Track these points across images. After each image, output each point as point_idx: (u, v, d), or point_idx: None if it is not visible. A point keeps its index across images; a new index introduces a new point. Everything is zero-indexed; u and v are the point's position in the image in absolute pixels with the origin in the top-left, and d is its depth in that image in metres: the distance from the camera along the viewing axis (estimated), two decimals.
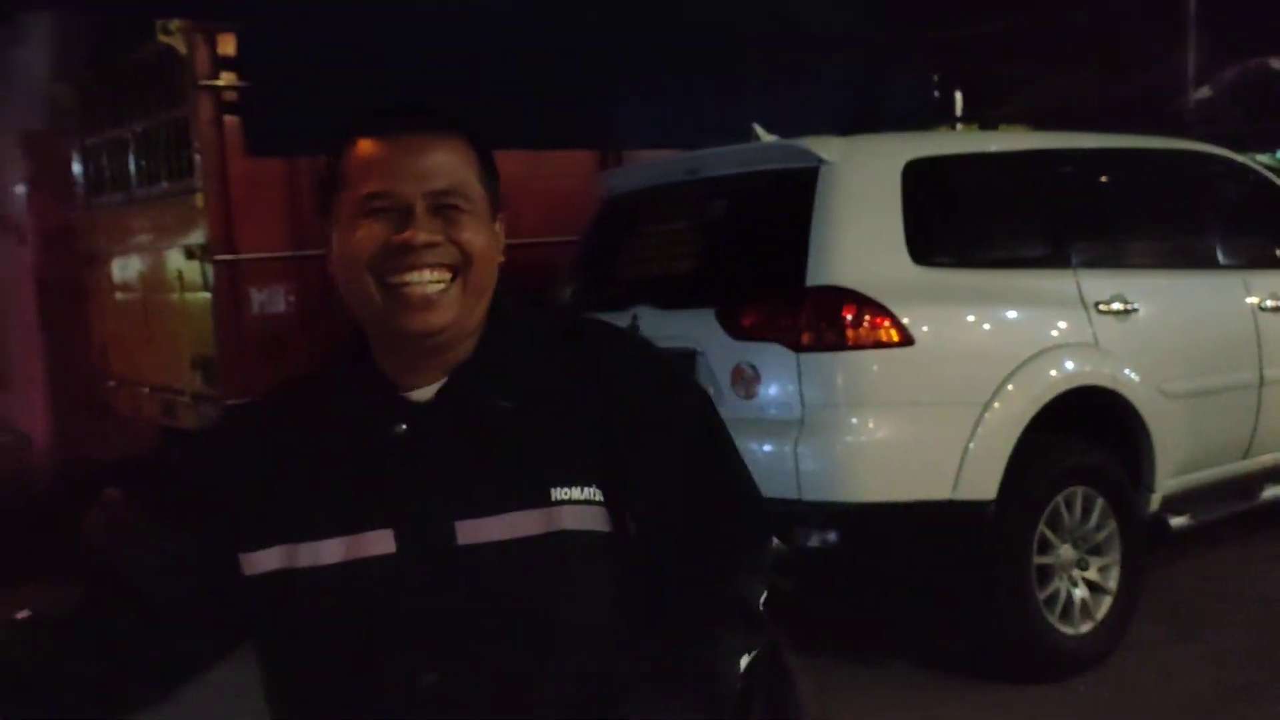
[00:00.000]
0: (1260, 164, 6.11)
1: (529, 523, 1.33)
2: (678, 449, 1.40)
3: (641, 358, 1.47)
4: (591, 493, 1.35)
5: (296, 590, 1.34)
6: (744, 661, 1.31)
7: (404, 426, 1.36)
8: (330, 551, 1.33)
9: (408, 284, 1.32)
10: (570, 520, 1.34)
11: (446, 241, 1.33)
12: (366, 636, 1.32)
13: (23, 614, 1.38)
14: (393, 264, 1.32)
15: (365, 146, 1.35)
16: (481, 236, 1.36)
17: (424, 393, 1.39)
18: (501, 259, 1.41)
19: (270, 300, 6.05)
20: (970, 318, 4.38)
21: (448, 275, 1.34)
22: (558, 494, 1.34)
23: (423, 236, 1.32)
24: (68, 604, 1.37)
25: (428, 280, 1.32)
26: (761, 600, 1.38)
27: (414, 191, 1.32)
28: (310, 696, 1.37)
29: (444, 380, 1.39)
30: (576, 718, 1.34)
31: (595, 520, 1.35)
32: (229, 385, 5.84)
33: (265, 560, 1.35)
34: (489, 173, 1.40)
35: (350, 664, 1.32)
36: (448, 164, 1.35)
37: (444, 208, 1.34)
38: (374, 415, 1.37)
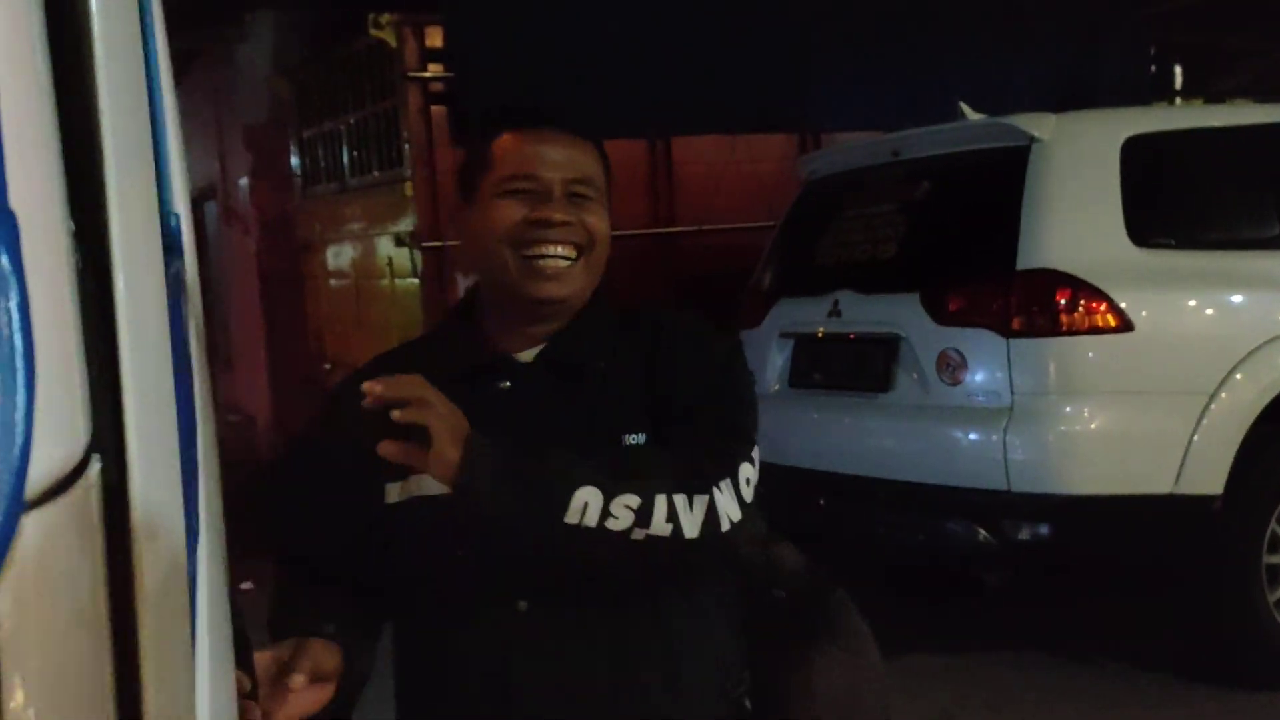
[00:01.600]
0: None
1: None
2: (697, 393, 1.57)
3: (683, 328, 1.65)
4: (646, 439, 1.55)
5: (411, 517, 1.52)
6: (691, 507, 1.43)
7: (508, 383, 1.57)
8: (434, 483, 1.45)
9: (542, 256, 1.53)
10: None
11: (577, 223, 1.54)
12: (466, 565, 1.49)
13: (246, 585, 1.50)
14: (530, 237, 1.53)
15: (514, 136, 1.58)
16: (604, 223, 1.58)
17: (526, 355, 1.60)
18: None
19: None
20: (1194, 302, 4.15)
21: (574, 253, 1.55)
22: (627, 439, 1.54)
23: (559, 215, 1.53)
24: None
25: (559, 255, 1.53)
26: (734, 503, 1.47)
27: (554, 178, 1.54)
28: (423, 619, 1.55)
29: (544, 345, 1.59)
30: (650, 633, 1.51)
31: None
32: None
33: (393, 492, 1.55)
34: (609, 175, 1.63)
35: (454, 592, 1.51)
36: (583, 159, 1.58)
37: (576, 195, 1.55)
38: (484, 372, 1.57)
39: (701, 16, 6.66)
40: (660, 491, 1.40)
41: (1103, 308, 3.88)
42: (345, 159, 7.58)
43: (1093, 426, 3.90)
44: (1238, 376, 3.99)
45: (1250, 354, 4.01)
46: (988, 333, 4.00)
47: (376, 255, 7.05)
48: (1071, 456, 3.88)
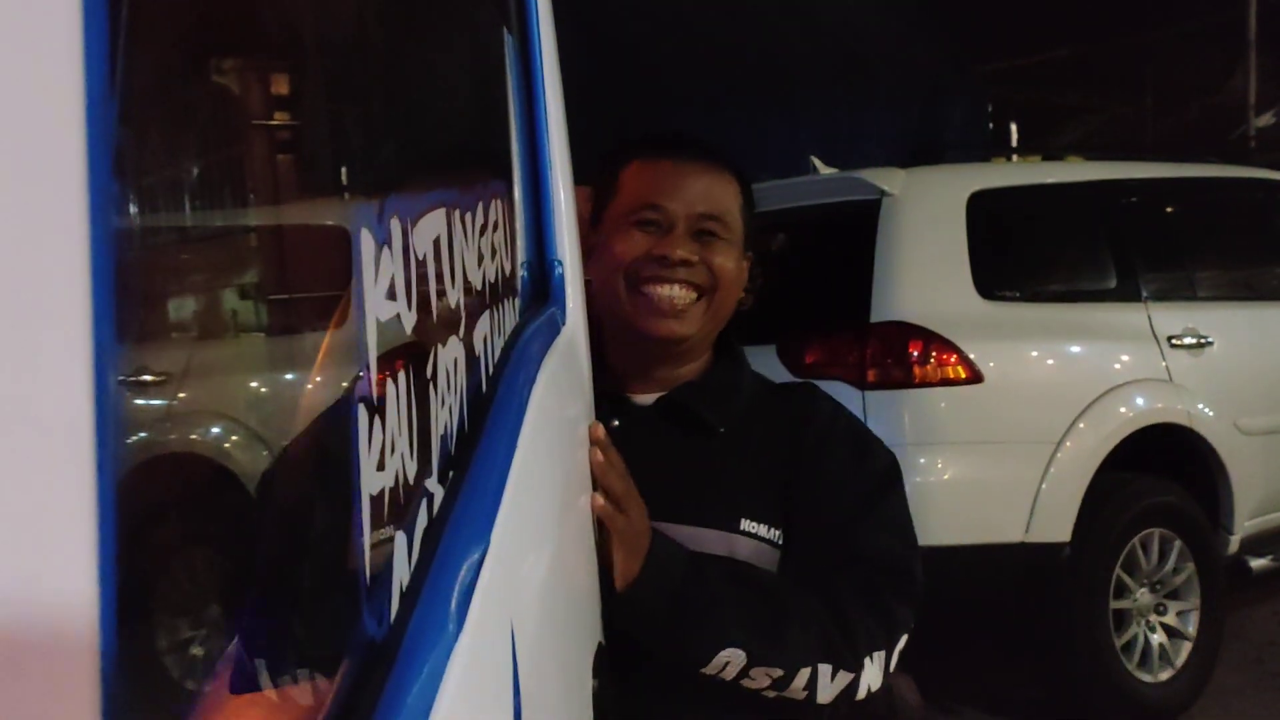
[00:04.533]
0: None
1: (711, 542, 1.37)
2: (845, 505, 1.42)
3: (843, 422, 1.50)
4: (776, 535, 1.40)
5: None
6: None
7: (616, 422, 1.40)
8: None
9: (656, 292, 1.42)
10: (747, 552, 1.38)
11: (700, 263, 1.42)
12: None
13: None
14: (647, 273, 1.42)
15: (642, 165, 1.48)
16: (731, 263, 1.45)
17: (646, 398, 1.48)
18: (743, 294, 1.50)
19: None
20: (1039, 353, 4.26)
21: (694, 295, 1.43)
22: (746, 525, 1.39)
23: (680, 253, 1.41)
24: None
25: (676, 295, 1.42)
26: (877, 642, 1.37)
27: (680, 211, 1.43)
28: None
29: (666, 391, 1.48)
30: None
31: (769, 561, 1.39)
32: None
33: None
34: (749, 209, 1.50)
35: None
36: (715, 192, 1.45)
37: (704, 232, 1.44)
38: (598, 409, 1.41)
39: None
40: (806, 664, 1.30)
41: (953, 359, 3.94)
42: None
43: (946, 477, 3.95)
44: (1081, 425, 4.09)
45: (1092, 403, 4.12)
46: (843, 385, 4.01)
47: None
48: (926, 507, 3.90)
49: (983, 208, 4.28)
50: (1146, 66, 11.32)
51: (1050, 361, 4.30)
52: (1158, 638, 4.23)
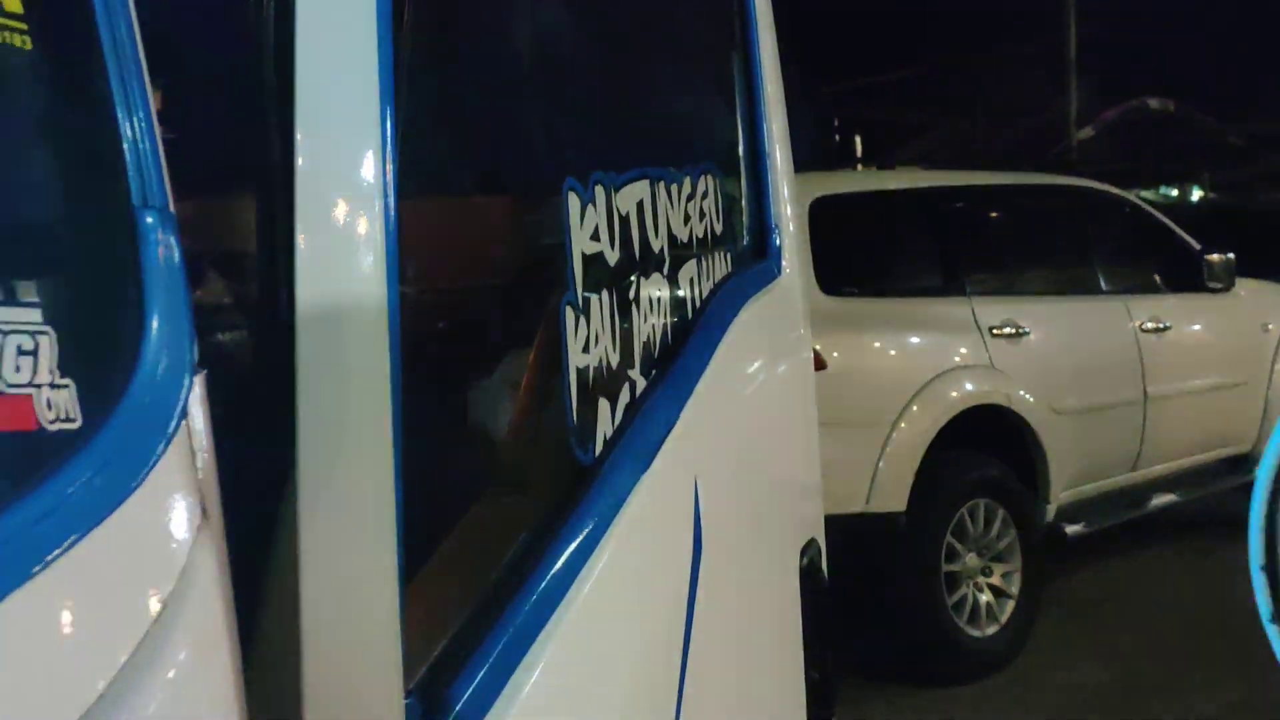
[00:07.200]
0: (1140, 198, 6.56)
1: None
2: None
3: None
4: None
5: None
6: None
7: None
8: None
9: None
10: None
11: None
12: None
13: None
14: None
15: None
16: None
17: None
18: None
19: None
20: (876, 343, 4.70)
21: None
22: None
23: None
24: None
25: None
26: None
27: None
28: None
29: None
30: None
31: None
32: None
33: None
34: None
35: None
36: None
37: None
38: None
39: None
40: None
41: None
42: None
43: None
44: (914, 408, 4.53)
45: (923, 388, 4.57)
46: None
47: None
48: None
49: (824, 212, 4.69)
50: (980, 87, 12.04)
51: (886, 350, 4.74)
52: (985, 597, 4.69)
